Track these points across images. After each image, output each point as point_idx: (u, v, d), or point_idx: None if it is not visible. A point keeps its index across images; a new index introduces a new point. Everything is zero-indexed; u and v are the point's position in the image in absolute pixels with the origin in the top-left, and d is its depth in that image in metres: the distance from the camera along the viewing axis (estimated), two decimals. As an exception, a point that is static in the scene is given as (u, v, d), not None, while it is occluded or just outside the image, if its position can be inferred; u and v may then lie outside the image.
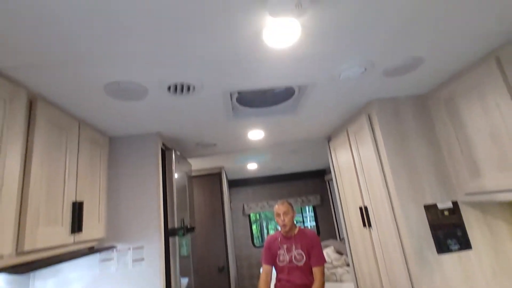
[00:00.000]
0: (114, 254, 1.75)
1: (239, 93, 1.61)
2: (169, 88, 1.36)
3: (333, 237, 5.13)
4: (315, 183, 5.45)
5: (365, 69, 1.40)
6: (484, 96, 1.41)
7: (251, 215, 5.32)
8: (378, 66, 1.40)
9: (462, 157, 1.61)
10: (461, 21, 1.10)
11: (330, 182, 5.25)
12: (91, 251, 1.57)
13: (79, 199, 1.47)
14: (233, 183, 5.33)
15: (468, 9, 1.03)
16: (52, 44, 0.95)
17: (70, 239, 1.36)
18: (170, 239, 1.90)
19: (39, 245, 1.16)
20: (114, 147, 1.95)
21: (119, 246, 1.77)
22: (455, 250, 1.58)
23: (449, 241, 1.59)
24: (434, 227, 1.62)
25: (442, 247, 1.58)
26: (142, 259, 1.75)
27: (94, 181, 1.66)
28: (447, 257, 1.57)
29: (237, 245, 5.06)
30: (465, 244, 1.59)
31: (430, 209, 1.65)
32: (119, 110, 1.55)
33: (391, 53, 1.29)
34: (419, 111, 1.84)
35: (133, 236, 1.78)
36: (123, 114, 1.61)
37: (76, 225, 1.40)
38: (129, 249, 1.76)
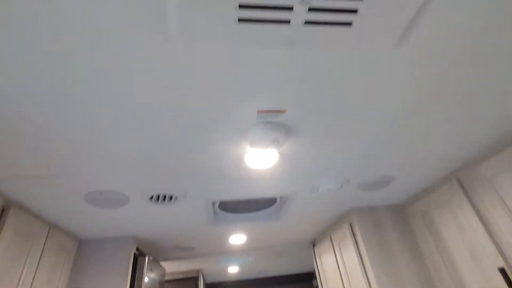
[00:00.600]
0: None
1: (221, 201, 1.62)
2: (151, 197, 1.37)
3: None
4: (302, 289, 4.91)
5: (341, 184, 1.49)
6: (455, 213, 1.48)
7: (230, 329, 4.53)
8: (352, 182, 1.50)
9: (448, 275, 1.55)
10: (424, 146, 1.25)
11: (319, 288, 4.75)
12: None
13: (23, 324, 1.24)
14: (211, 287, 4.74)
15: (430, 136, 1.19)
16: (38, 160, 1.00)
17: None
18: None
19: None
20: (82, 251, 1.79)
21: None
22: None
23: None
24: None
25: None
26: None
27: (49, 297, 1.45)
28: None
29: None
30: None
31: (426, 338, 1.48)
32: (96, 215, 1.50)
33: (364, 172, 1.41)
34: (399, 221, 1.87)
35: None
36: (99, 219, 1.55)
37: None
38: None
